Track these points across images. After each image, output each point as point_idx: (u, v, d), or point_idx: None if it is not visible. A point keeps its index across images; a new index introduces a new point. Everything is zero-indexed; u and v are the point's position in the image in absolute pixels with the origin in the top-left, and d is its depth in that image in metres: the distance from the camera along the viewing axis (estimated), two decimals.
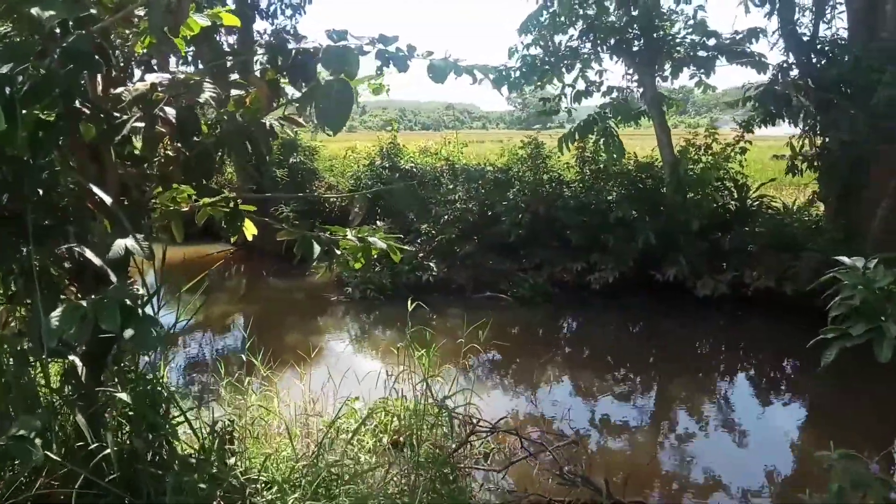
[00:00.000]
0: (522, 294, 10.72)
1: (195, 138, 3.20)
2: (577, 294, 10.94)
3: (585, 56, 11.83)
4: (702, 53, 10.65)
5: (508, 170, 12.55)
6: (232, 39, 13.91)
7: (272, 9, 13.90)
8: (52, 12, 2.24)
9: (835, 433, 6.13)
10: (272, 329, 9.24)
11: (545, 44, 11.82)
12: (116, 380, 3.06)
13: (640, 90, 11.50)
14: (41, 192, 2.79)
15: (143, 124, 2.96)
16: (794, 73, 9.96)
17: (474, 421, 4.73)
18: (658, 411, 6.98)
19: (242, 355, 5.70)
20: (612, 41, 11.33)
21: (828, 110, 9.14)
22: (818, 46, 9.90)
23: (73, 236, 3.05)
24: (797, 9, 10.27)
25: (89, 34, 2.64)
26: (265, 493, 3.29)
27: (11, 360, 2.88)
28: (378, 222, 12.00)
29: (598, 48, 11.64)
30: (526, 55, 11.73)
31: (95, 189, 2.66)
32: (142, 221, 3.32)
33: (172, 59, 3.46)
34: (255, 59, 4.00)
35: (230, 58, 3.48)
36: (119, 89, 3.00)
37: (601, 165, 11.91)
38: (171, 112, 2.92)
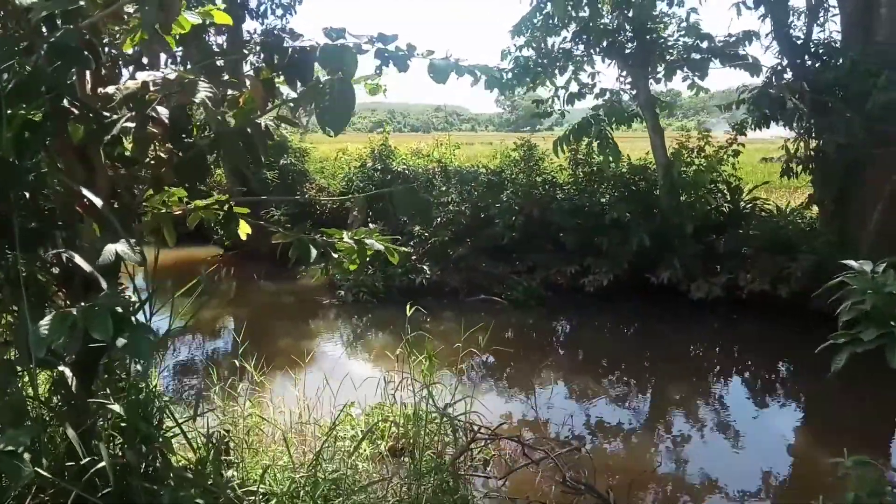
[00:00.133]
0: (516, 297, 10.65)
1: (188, 139, 3.09)
2: (571, 297, 10.88)
3: (578, 58, 11.78)
4: (695, 56, 10.62)
5: (501, 172, 12.48)
6: (221, 40, 13.76)
7: (262, 8, 13.77)
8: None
9: (840, 439, 6.12)
10: (264, 333, 9.11)
11: (538, 46, 11.77)
12: (108, 389, 2.94)
13: (634, 92, 11.45)
14: (27, 194, 2.67)
15: (134, 124, 2.85)
16: (788, 75, 9.94)
17: (475, 428, 4.63)
18: (658, 416, 6.91)
19: (235, 361, 5.59)
20: (605, 43, 11.29)
21: (824, 113, 9.13)
22: (812, 49, 9.89)
23: (61, 241, 2.93)
24: (791, 12, 10.26)
25: (78, 29, 2.53)
26: None
27: None
28: (370, 224, 11.89)
29: (591, 50, 11.60)
30: (519, 56, 11.67)
31: (85, 191, 2.54)
32: (132, 225, 3.21)
33: (162, 60, 3.35)
34: (248, 59, 3.90)
35: (222, 57, 3.39)
36: (109, 88, 2.88)
37: (595, 168, 11.87)
38: (163, 112, 2.81)
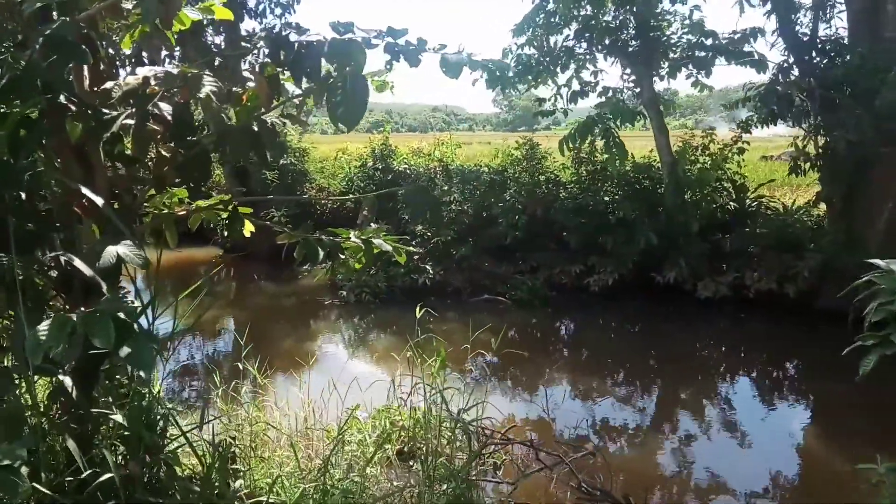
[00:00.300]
0: (520, 297, 10.53)
1: (191, 138, 2.97)
2: (575, 296, 10.77)
3: (580, 56, 11.67)
4: (700, 53, 10.50)
5: (504, 171, 12.36)
6: (219, 40, 13.62)
7: (261, 7, 13.61)
8: None
9: (864, 442, 6.02)
10: (266, 334, 8.99)
11: (539, 44, 11.65)
12: (109, 397, 2.82)
13: (637, 90, 11.33)
14: (23, 195, 2.55)
15: (134, 121, 2.73)
16: (795, 72, 9.83)
17: (487, 433, 4.51)
18: (670, 418, 6.78)
19: (238, 364, 5.48)
20: (608, 41, 11.17)
21: (832, 110, 9.02)
22: (819, 46, 9.77)
23: (59, 243, 2.82)
24: (796, 8, 10.14)
25: (74, 22, 2.41)
26: None
27: None
28: (372, 224, 11.76)
29: (594, 48, 11.48)
30: (521, 55, 11.54)
31: (85, 191, 2.42)
32: (133, 226, 3.09)
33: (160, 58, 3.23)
34: (247, 58, 3.78)
35: (227, 53, 3.27)
36: (108, 84, 2.76)
37: (598, 166, 11.75)
38: (165, 108, 2.70)
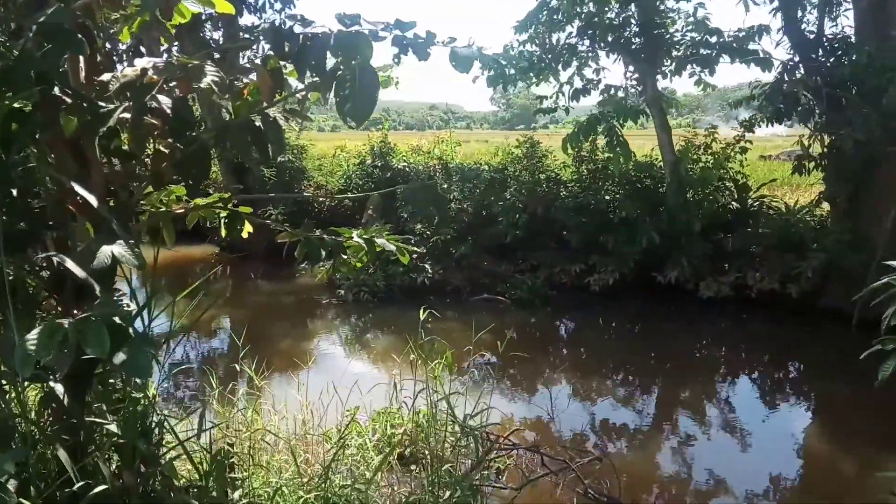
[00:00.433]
0: (520, 296, 10.42)
1: (190, 133, 2.85)
2: (575, 296, 10.66)
3: (583, 54, 11.55)
4: (704, 51, 10.39)
5: (504, 169, 12.25)
6: (217, 35, 13.48)
7: (260, 2, 13.45)
8: None
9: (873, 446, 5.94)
10: (263, 334, 8.86)
11: (541, 41, 11.53)
12: (103, 404, 2.70)
13: (640, 88, 11.23)
14: (14, 192, 2.43)
15: (131, 115, 2.60)
16: (800, 71, 9.73)
17: (492, 438, 4.40)
18: (677, 421, 6.67)
19: (235, 365, 5.37)
20: (611, 38, 11.06)
21: (839, 109, 8.92)
22: (825, 44, 9.68)
23: (51, 242, 2.69)
24: (802, 6, 10.04)
25: (70, 10, 2.29)
26: None
27: None
28: (362, 218, 11.66)
29: (596, 45, 11.37)
30: (523, 51, 11.41)
31: (78, 188, 2.30)
32: (129, 225, 2.96)
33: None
34: (246, 53, 3.65)
35: (227, 46, 3.15)
36: (105, 76, 2.63)
37: (599, 165, 11.65)
38: (164, 101, 2.57)
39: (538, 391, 7.11)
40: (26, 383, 2.65)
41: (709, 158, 11.22)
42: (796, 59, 9.82)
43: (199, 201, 3.44)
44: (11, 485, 2.11)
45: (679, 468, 5.59)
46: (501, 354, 6.61)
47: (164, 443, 2.94)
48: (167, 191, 3.31)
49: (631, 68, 11.25)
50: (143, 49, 3.03)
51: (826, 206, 10.41)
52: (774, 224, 10.30)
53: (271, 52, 3.08)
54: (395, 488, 4.34)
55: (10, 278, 2.46)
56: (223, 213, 3.41)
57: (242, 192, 11.98)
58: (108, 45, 3.08)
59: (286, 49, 2.99)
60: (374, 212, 11.76)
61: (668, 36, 11.04)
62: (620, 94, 11.48)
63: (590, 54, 11.56)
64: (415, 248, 4.02)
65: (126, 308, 2.11)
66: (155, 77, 2.41)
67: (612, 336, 9.91)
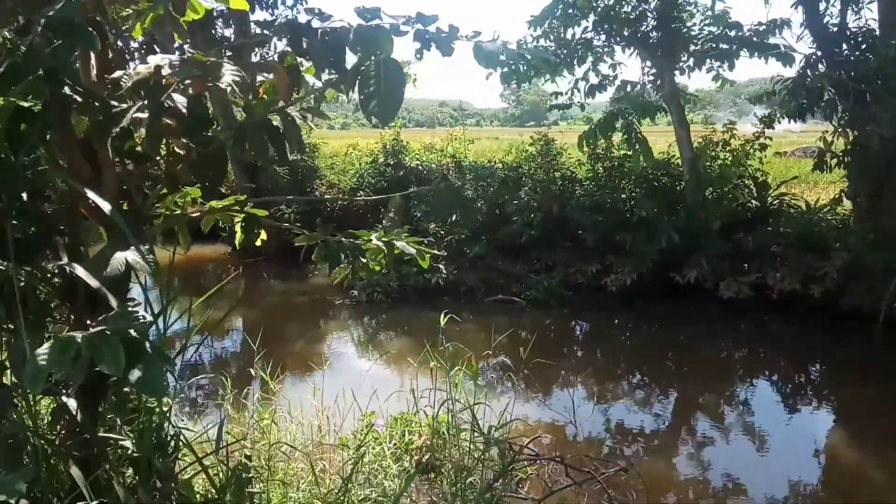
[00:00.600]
0: (536, 297, 10.27)
1: (207, 133, 2.73)
2: (592, 296, 10.49)
3: (598, 49, 11.38)
4: (723, 46, 10.19)
5: (519, 167, 12.09)
6: (229, 33, 13.41)
7: None
8: None
9: None
10: (276, 335, 8.77)
11: (556, 36, 11.37)
12: (116, 416, 2.58)
13: (658, 83, 11.04)
14: (24, 196, 2.31)
15: (146, 115, 2.48)
16: (822, 65, 9.51)
17: (515, 448, 4.27)
18: (705, 430, 6.45)
19: (249, 369, 5.27)
20: (627, 32, 10.88)
21: (864, 104, 8.72)
22: (849, 38, 9.45)
23: (63, 248, 2.58)
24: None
25: (80, 3, 2.17)
26: None
27: None
28: (383, 221, 11.55)
29: (612, 40, 11.19)
30: (538, 47, 11.25)
31: (91, 193, 2.18)
32: (144, 229, 2.85)
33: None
34: (258, 50, 3.52)
35: (240, 42, 3.03)
36: (117, 73, 2.51)
37: (615, 163, 11.48)
38: (180, 101, 2.45)
39: (556, 395, 6.97)
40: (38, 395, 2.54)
41: (727, 155, 11.03)
42: (818, 53, 9.60)
43: (215, 204, 3.32)
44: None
45: (705, 477, 5.44)
46: (515, 357, 6.49)
47: (179, 455, 2.83)
48: (181, 193, 3.20)
49: (648, 63, 11.06)
50: (156, 47, 2.91)
51: (847, 203, 10.21)
52: (795, 223, 10.11)
53: (287, 49, 2.97)
54: (414, 497, 4.22)
55: (22, 283, 2.36)
56: (239, 217, 3.29)
57: (255, 191, 11.90)
58: (119, 43, 2.97)
59: (304, 45, 2.88)
60: (396, 214, 11.57)
61: (686, 30, 10.85)
62: (637, 89, 11.29)
63: (605, 49, 11.39)
64: (435, 251, 3.90)
65: (142, 320, 1.98)
66: (171, 75, 2.28)
67: (631, 338, 9.74)
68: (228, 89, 2.46)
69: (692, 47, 10.80)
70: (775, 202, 10.97)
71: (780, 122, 10.89)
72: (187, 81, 2.61)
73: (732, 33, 10.23)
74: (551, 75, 11.03)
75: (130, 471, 2.67)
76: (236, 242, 3.24)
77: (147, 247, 2.35)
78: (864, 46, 9.38)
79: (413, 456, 4.74)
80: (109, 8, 2.87)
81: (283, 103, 2.96)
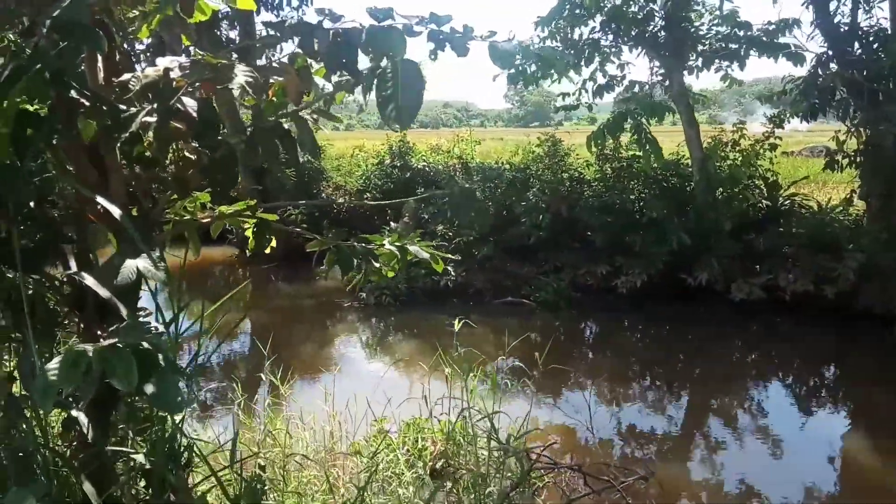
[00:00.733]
0: (545, 299, 10.17)
1: (217, 137, 2.66)
2: (601, 298, 10.38)
3: (606, 49, 11.28)
4: (733, 46, 10.09)
5: (526, 168, 12.01)
6: (234, 34, 13.38)
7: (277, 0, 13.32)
8: None
9: None
10: (285, 338, 8.71)
11: (563, 36, 11.29)
12: (128, 428, 2.52)
13: (666, 84, 10.94)
14: (31, 203, 2.25)
15: (155, 118, 2.42)
16: (833, 65, 9.40)
17: (532, 456, 4.19)
18: (721, 435, 6.37)
19: (258, 372, 5.21)
20: (635, 32, 10.79)
21: (877, 103, 8.60)
22: (860, 37, 9.34)
23: (71, 256, 2.51)
24: None
25: (87, 4, 2.10)
26: None
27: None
28: (391, 223, 11.46)
29: (620, 40, 11.10)
30: (544, 48, 11.15)
31: (102, 200, 2.11)
32: (153, 236, 2.78)
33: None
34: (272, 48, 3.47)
35: (244, 44, 2.96)
36: (125, 76, 2.45)
37: (624, 163, 11.38)
38: (190, 104, 2.38)
39: (569, 399, 6.88)
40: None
41: (737, 156, 10.93)
42: (829, 52, 9.49)
43: (225, 209, 3.26)
44: None
45: (722, 484, 5.35)
46: (525, 360, 6.40)
47: (192, 466, 2.76)
48: (191, 198, 3.13)
49: (656, 63, 10.96)
50: (165, 50, 2.84)
51: (859, 203, 10.09)
52: (807, 223, 9.99)
53: (298, 51, 2.90)
54: None
55: (30, 290, 2.30)
56: (250, 222, 3.22)
57: (261, 193, 11.84)
58: (125, 45, 2.91)
59: (315, 46, 2.81)
60: (411, 219, 11.46)
61: (694, 30, 10.76)
62: (646, 89, 11.20)
63: (613, 49, 11.30)
64: (448, 255, 3.83)
65: (154, 331, 1.92)
66: (181, 78, 2.22)
67: (642, 340, 9.66)
68: (238, 92, 2.40)
69: (700, 47, 10.70)
70: (786, 202, 10.86)
71: (789, 122, 10.78)
72: (195, 84, 2.55)
73: (742, 33, 10.13)
74: (564, 75, 10.89)
75: (143, 482, 2.61)
76: (248, 249, 3.17)
77: (158, 254, 2.28)
78: (876, 45, 9.27)
79: (426, 462, 4.67)
80: (115, 9, 2.81)
81: (294, 105, 2.90)
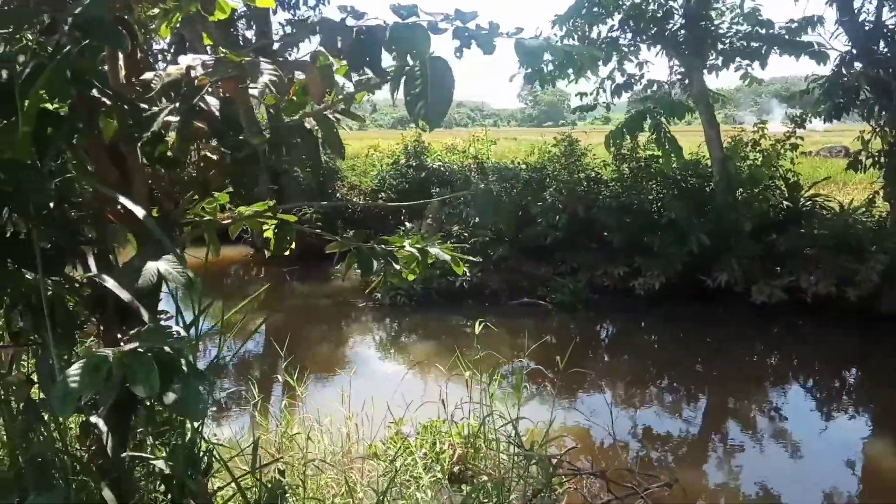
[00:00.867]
0: (562, 300, 10.07)
1: (239, 137, 2.62)
2: (619, 300, 10.26)
3: (624, 48, 11.17)
4: (754, 44, 9.95)
5: (543, 168, 11.91)
6: (250, 34, 13.38)
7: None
8: None
9: None
10: (300, 339, 8.67)
11: (581, 35, 11.20)
12: (148, 434, 2.48)
13: (686, 83, 10.82)
14: (52, 203, 2.21)
15: (177, 118, 2.37)
16: (857, 64, 9.24)
17: (554, 462, 4.12)
18: (743, 440, 6.25)
19: (274, 371, 5.17)
20: (654, 30, 10.68)
21: None
22: (886, 34, 9.17)
23: (91, 258, 2.48)
24: None
25: (108, 1, 2.06)
26: None
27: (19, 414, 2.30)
28: (406, 224, 11.43)
29: (638, 38, 10.99)
30: (572, 45, 11.07)
31: (125, 201, 2.07)
32: (174, 237, 2.74)
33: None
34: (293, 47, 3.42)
35: (260, 43, 2.92)
36: (147, 74, 2.40)
37: (641, 163, 11.26)
38: (213, 103, 2.34)
39: (589, 403, 6.79)
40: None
41: (757, 156, 10.78)
42: (854, 51, 9.33)
43: (244, 210, 3.22)
44: None
45: (745, 490, 5.25)
46: (549, 364, 6.31)
47: (212, 472, 2.72)
48: (210, 199, 3.10)
49: (676, 62, 10.84)
50: (185, 48, 2.80)
51: (881, 205, 9.92)
52: (830, 224, 9.83)
53: (320, 49, 2.85)
54: None
55: (50, 291, 2.26)
56: (270, 223, 3.18)
57: (277, 193, 11.82)
58: (144, 46, 2.87)
59: (339, 44, 2.76)
60: (434, 221, 11.37)
61: (714, 28, 10.62)
62: (665, 88, 11.08)
63: (631, 48, 11.19)
64: (470, 258, 3.78)
65: (176, 335, 1.87)
66: (204, 76, 2.17)
67: (661, 342, 9.53)
68: (260, 90, 2.36)
69: (720, 46, 10.56)
70: (807, 203, 10.70)
71: (810, 122, 10.63)
72: (216, 83, 2.51)
73: (763, 31, 9.98)
74: (594, 72, 10.74)
75: (162, 488, 2.57)
76: (268, 251, 3.12)
77: (180, 256, 2.24)
78: None
79: (444, 466, 4.61)
80: (136, 7, 2.77)
81: (316, 105, 2.85)
